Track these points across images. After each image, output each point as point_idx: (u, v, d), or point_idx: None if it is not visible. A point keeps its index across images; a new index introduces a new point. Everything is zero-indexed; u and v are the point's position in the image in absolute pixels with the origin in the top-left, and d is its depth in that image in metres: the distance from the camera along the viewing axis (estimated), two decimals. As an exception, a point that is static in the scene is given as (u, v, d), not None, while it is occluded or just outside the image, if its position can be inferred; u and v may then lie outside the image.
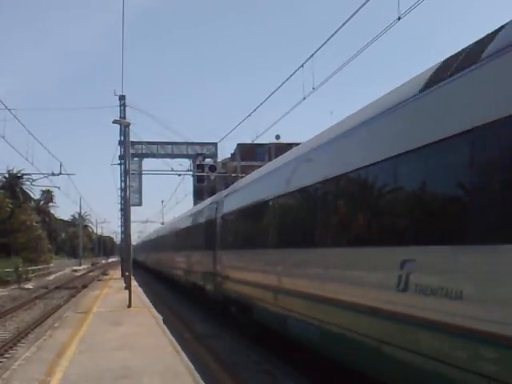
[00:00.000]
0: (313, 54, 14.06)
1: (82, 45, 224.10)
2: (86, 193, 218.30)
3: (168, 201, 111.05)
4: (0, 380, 9.21)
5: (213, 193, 31.47)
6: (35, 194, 70.90)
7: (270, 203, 10.79)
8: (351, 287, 6.88)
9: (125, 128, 26.24)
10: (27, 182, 61.40)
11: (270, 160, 37.59)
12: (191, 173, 38.58)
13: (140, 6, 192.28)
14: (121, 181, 40.15)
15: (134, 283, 26.82)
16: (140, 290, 28.93)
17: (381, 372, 6.20)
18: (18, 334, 16.16)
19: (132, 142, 29.86)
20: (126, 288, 24.47)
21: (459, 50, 5.61)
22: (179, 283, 26.14)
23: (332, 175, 7.64)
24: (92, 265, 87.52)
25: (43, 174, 39.66)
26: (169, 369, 9.60)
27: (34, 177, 48.28)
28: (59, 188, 55.34)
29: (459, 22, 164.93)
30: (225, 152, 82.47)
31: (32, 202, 68.38)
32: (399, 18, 10.42)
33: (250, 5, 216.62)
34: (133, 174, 37.14)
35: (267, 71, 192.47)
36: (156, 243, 41.26)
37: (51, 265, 61.26)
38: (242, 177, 23.34)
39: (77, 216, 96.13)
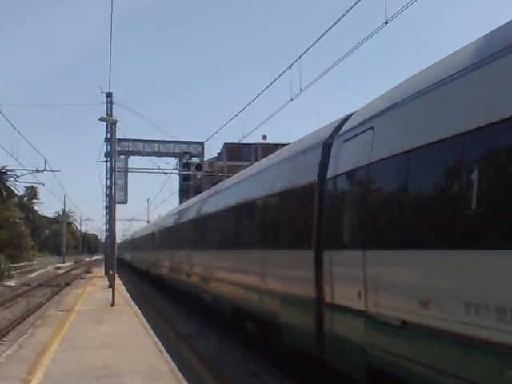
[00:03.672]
0: (301, 56, 14.14)
1: (70, 41, 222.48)
2: (70, 190, 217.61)
3: (153, 199, 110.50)
4: (-20, 378, 9.07)
5: (198, 192, 31.34)
6: (19, 190, 70.28)
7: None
8: None
9: (111, 125, 26.13)
10: (11, 178, 60.77)
11: (256, 160, 37.58)
12: (177, 171, 38.46)
13: (129, 2, 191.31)
14: (106, 178, 39.94)
15: (117, 281, 26.64)
16: (124, 288, 28.74)
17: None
18: (-2, 332, 15.95)
19: (118, 139, 29.68)
20: (109, 286, 24.28)
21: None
22: None
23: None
24: (75, 262, 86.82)
25: (27, 171, 39.37)
26: (152, 368, 9.49)
27: (18, 173, 47.81)
28: (43, 184, 54.72)
29: (447, 24, 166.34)
30: (212, 151, 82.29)
31: (15, 199, 67.63)
32: (386, 22, 10.53)
33: (239, 5, 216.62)
34: (118, 171, 36.90)
35: (255, 71, 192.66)
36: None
37: (34, 262, 60.70)
38: (229, 176, 23.35)
39: (61, 213, 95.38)
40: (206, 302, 16.09)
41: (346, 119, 7.67)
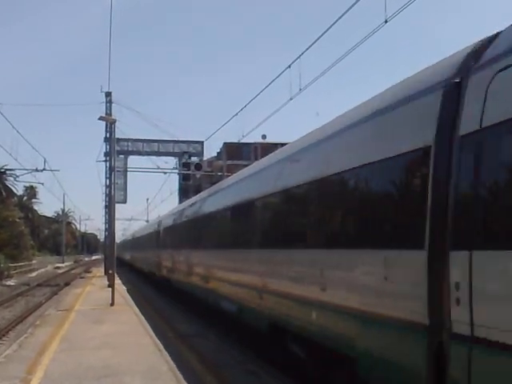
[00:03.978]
0: (300, 55, 14.12)
1: (70, 41, 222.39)
2: (70, 189, 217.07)
3: (153, 199, 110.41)
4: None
5: (198, 191, 31.31)
6: (18, 189, 70.32)
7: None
8: None
9: (110, 125, 26.15)
10: (11, 178, 60.81)
11: (256, 159, 37.59)
12: (177, 171, 38.49)
13: (129, 2, 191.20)
14: (106, 178, 39.96)
15: (117, 281, 26.65)
16: (123, 288, 28.74)
17: None
18: (-2, 332, 15.96)
19: (118, 138, 29.79)
20: (109, 286, 24.29)
21: None
22: None
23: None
24: (75, 262, 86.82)
25: (27, 170, 39.43)
26: (151, 368, 9.51)
27: (17, 172, 47.87)
28: (43, 184, 54.68)
29: (447, 24, 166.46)
30: (211, 151, 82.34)
31: (15, 198, 67.66)
32: (386, 21, 10.54)
33: (240, 4, 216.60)
34: (118, 171, 36.91)
35: (255, 70, 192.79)
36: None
37: (33, 261, 60.71)
38: (228, 176, 22.95)
39: (60, 212, 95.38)
40: (226, 312, 13.39)
41: (488, 40, 4.95)
